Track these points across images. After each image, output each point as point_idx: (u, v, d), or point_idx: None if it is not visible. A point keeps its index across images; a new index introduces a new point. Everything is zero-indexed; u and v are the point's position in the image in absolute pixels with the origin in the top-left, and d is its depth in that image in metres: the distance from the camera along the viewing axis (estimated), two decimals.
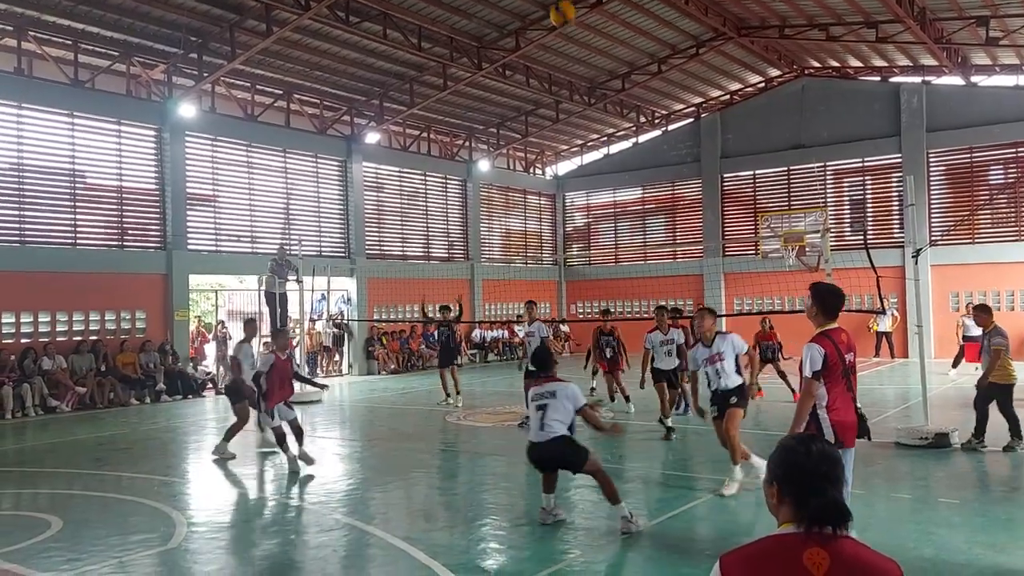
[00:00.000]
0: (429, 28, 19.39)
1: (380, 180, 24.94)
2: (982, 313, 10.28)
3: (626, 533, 6.55)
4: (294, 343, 19.44)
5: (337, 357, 23.13)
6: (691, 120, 29.00)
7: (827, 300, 5.34)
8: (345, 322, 22.92)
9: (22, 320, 16.42)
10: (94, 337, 17.25)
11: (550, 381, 6.99)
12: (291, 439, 9.69)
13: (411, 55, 20.29)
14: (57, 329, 16.91)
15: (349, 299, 23.44)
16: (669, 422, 11.31)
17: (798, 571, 2.01)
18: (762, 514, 7.06)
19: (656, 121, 29.51)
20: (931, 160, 24.13)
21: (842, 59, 25.32)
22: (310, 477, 9.32)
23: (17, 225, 16.63)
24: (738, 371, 8.12)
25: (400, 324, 24.27)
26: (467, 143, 27.77)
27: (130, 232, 18.51)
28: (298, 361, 17.84)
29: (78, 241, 17.54)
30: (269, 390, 9.55)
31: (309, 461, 9.59)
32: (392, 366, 23.14)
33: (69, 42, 17.30)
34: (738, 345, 8.17)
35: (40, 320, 16.69)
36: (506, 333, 27.30)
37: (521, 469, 9.68)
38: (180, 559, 6.33)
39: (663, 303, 13.68)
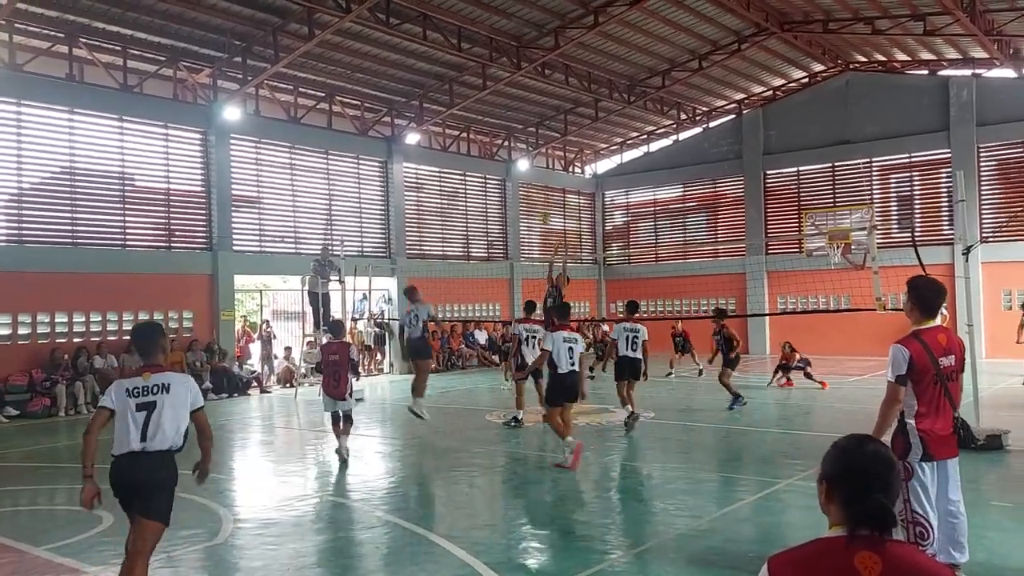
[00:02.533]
0: (469, 28, 19.46)
1: (420, 180, 25.09)
2: None
3: None
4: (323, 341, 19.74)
5: (379, 356, 23.33)
6: (733, 117, 28.65)
7: (924, 295, 4.88)
8: (386, 321, 23.11)
9: (75, 320, 16.86)
10: None
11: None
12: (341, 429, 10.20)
13: (451, 55, 20.38)
14: (108, 328, 17.33)
15: (390, 299, 23.62)
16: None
17: (850, 575, 1.97)
18: (807, 516, 6.96)
19: (697, 118, 29.22)
20: (982, 155, 23.52)
21: (888, 53, 24.79)
22: (353, 475, 9.42)
23: (70, 227, 17.08)
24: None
25: (453, 323, 24.36)
26: (506, 143, 27.80)
27: (177, 233, 18.89)
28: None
29: (127, 243, 17.96)
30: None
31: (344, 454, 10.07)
32: (433, 365, 23.22)
33: (118, 48, 17.71)
34: None
35: (92, 320, 17.12)
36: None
37: (562, 469, 9.67)
38: (226, 554, 6.44)
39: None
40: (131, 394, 4.84)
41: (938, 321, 5.04)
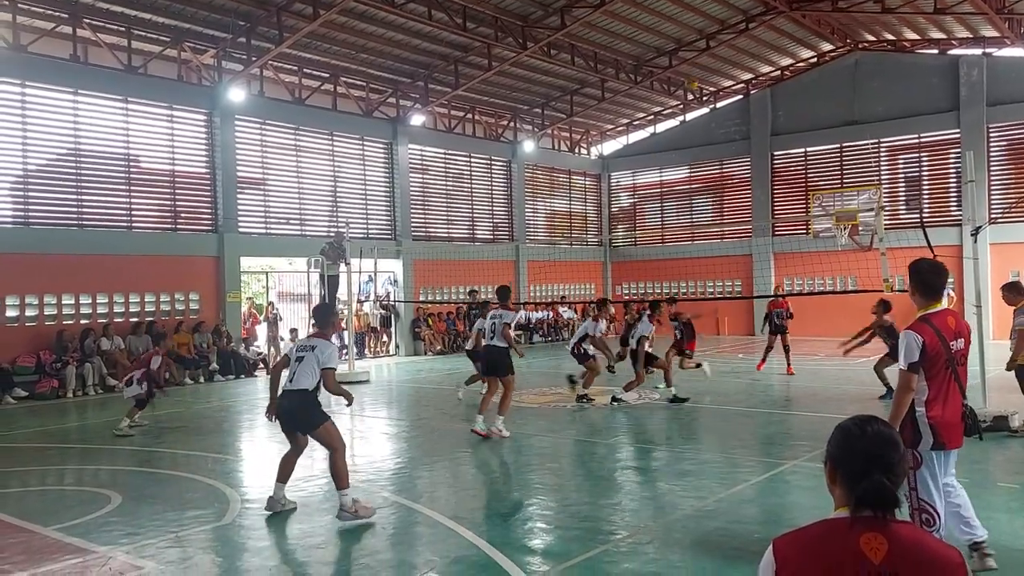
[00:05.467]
0: (474, 8, 19.31)
1: (425, 162, 25.03)
2: (1009, 292, 9.89)
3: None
4: (342, 324, 19.80)
5: (384, 338, 23.38)
6: (740, 97, 28.46)
7: (927, 278, 4.71)
8: (392, 303, 23.15)
9: (82, 302, 16.92)
10: (150, 318, 17.69)
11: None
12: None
13: (456, 36, 20.25)
14: (115, 310, 17.39)
15: (396, 280, 23.64)
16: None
17: (855, 556, 1.96)
18: (813, 497, 6.96)
19: (704, 99, 29.02)
20: (991, 135, 23.33)
21: (898, 32, 24.54)
22: (359, 456, 9.45)
23: (76, 209, 17.10)
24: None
25: (446, 305, 24.41)
26: (512, 124, 27.67)
27: (183, 215, 18.90)
28: (346, 342, 18.13)
29: (133, 224, 17.97)
30: None
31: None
32: (438, 347, 23.32)
33: (122, 28, 17.64)
34: None
35: (99, 302, 17.17)
36: (551, 314, 27.29)
37: (567, 449, 9.70)
38: (234, 535, 6.48)
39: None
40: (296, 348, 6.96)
41: (945, 303, 4.95)
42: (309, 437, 6.91)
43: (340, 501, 6.55)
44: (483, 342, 10.90)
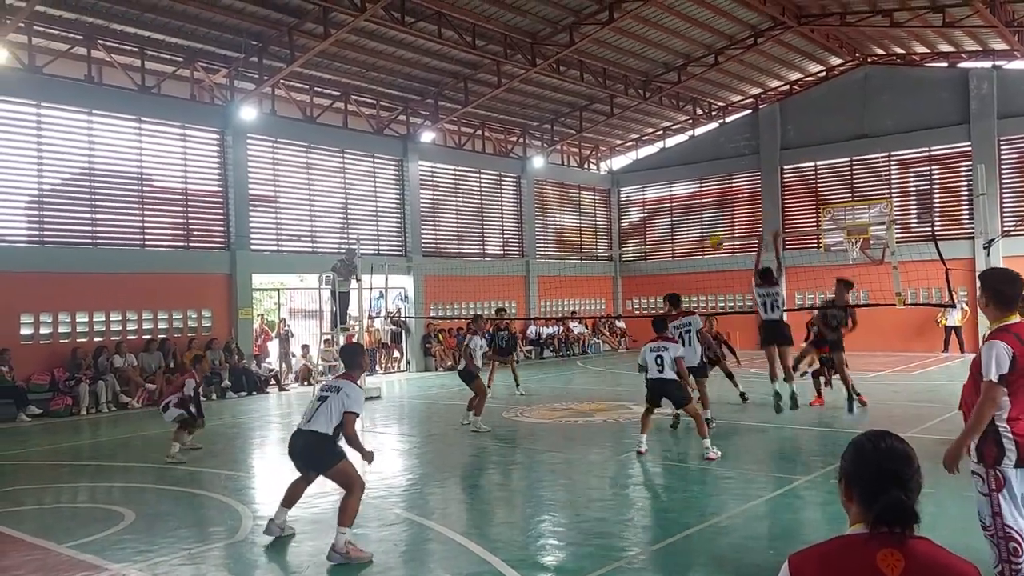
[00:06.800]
0: (483, 26, 19.46)
1: (436, 178, 25.14)
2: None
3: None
4: (352, 339, 19.83)
5: (396, 354, 23.41)
6: (749, 112, 28.50)
7: (1000, 289, 4.39)
8: (403, 319, 23.18)
9: (95, 319, 17.03)
10: (162, 336, 17.78)
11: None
12: None
13: (465, 53, 20.39)
14: (128, 328, 17.49)
15: (406, 296, 23.69)
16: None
17: (871, 572, 1.95)
18: (827, 513, 6.91)
19: (713, 113, 29.08)
20: (1003, 148, 23.26)
21: (907, 45, 24.56)
22: (371, 472, 9.43)
23: (90, 228, 17.24)
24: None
25: (456, 321, 24.42)
26: (521, 140, 27.78)
27: (195, 233, 19.03)
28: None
29: (146, 242, 18.11)
30: None
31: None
32: (449, 363, 23.30)
33: (136, 49, 17.86)
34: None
35: (112, 319, 17.27)
36: (561, 329, 27.26)
37: (579, 466, 9.67)
38: (247, 552, 6.49)
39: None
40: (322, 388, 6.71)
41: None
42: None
43: (335, 537, 6.07)
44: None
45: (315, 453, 6.36)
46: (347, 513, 6.15)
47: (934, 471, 7.94)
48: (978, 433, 4.24)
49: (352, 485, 6.28)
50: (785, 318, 11.65)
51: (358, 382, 6.72)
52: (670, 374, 9.73)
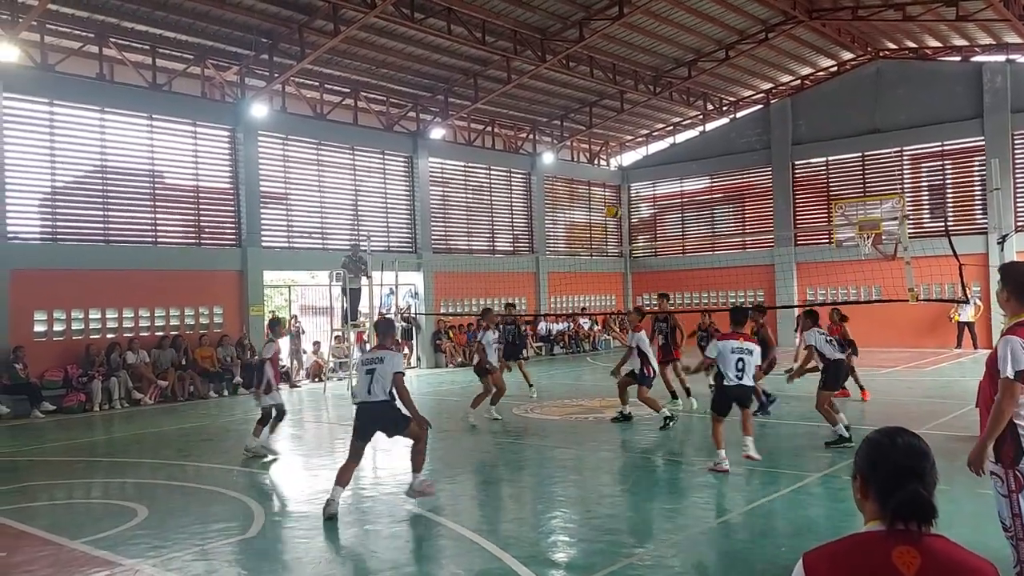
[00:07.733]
0: (493, 22, 19.43)
1: (445, 175, 25.15)
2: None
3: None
4: (363, 336, 19.89)
5: (406, 350, 23.43)
6: (760, 107, 28.36)
7: (1022, 282, 4.32)
8: (413, 316, 23.21)
9: (108, 316, 17.12)
10: (174, 332, 17.87)
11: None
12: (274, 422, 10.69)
13: (475, 50, 20.37)
14: (140, 325, 17.58)
15: (416, 293, 23.72)
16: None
17: (887, 570, 1.94)
18: (841, 510, 6.88)
19: (724, 109, 28.96)
20: (1016, 142, 23.07)
21: (919, 39, 24.37)
22: (382, 468, 9.47)
23: (102, 225, 17.34)
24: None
25: (466, 317, 24.45)
26: (531, 136, 27.75)
27: (207, 230, 19.10)
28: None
29: (158, 239, 18.19)
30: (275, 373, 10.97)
31: (273, 452, 10.45)
32: (459, 359, 23.34)
33: (147, 47, 17.92)
34: None
35: (124, 316, 17.37)
36: (571, 326, 27.24)
37: (590, 462, 9.66)
38: (259, 547, 6.51)
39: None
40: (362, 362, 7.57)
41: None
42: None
43: (412, 480, 7.55)
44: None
45: (389, 419, 7.39)
46: (419, 460, 7.54)
47: (948, 468, 7.91)
48: (998, 430, 4.15)
49: (422, 436, 7.51)
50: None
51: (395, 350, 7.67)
52: (750, 380, 8.66)
